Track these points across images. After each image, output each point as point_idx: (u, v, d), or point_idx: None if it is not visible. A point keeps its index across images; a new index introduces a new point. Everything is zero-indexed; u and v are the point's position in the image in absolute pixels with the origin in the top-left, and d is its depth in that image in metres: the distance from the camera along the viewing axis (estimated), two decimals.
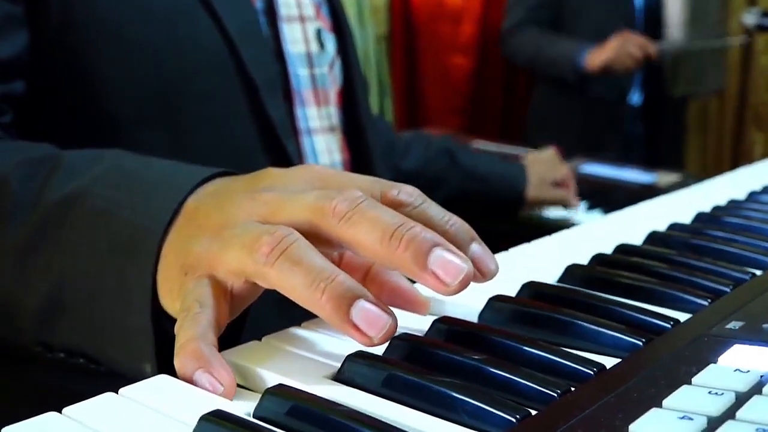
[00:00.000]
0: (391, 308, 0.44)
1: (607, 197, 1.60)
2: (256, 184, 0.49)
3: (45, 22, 0.69)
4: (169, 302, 0.49)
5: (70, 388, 0.58)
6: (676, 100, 2.45)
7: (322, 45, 0.87)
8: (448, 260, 0.43)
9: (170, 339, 0.50)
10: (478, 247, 0.48)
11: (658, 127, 2.39)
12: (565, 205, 1.42)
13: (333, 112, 0.88)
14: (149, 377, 0.45)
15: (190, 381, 0.43)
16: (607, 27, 2.24)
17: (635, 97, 2.35)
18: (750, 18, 2.15)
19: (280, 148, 0.78)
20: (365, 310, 0.42)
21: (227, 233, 0.46)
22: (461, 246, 0.46)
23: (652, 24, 2.33)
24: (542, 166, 1.37)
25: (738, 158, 2.98)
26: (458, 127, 2.70)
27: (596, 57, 2.20)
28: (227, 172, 0.53)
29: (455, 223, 0.47)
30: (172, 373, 0.45)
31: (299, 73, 0.83)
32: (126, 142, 0.67)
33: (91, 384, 0.53)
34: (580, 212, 1.52)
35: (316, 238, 0.45)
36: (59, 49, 0.70)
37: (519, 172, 1.31)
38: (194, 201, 0.51)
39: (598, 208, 1.56)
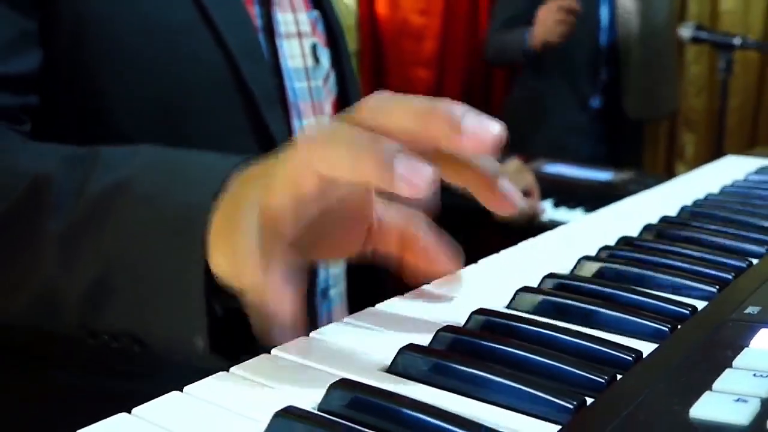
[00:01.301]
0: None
1: (571, 194, 1.60)
2: (295, 143, 0.46)
3: (57, 38, 0.66)
4: (221, 259, 0.46)
5: (102, 388, 0.55)
6: None
7: (317, 59, 0.85)
8: (479, 123, 0.41)
9: (218, 319, 0.48)
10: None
11: (617, 129, 2.39)
12: (531, 214, 1.39)
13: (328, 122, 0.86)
14: (200, 352, 0.43)
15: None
16: (571, 40, 2.23)
17: (595, 102, 2.35)
18: (686, 31, 2.17)
19: None
20: (407, 164, 0.39)
21: (273, 170, 0.44)
22: None
23: (615, 41, 2.33)
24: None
25: (672, 157, 3.01)
26: None
27: (534, 37, 2.18)
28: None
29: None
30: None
31: (296, 86, 0.81)
32: None
33: (118, 383, 0.51)
34: (548, 210, 1.51)
35: None
36: (69, 64, 0.67)
37: None
38: (235, 178, 0.49)
39: (563, 205, 1.56)
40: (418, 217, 0.52)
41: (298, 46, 0.82)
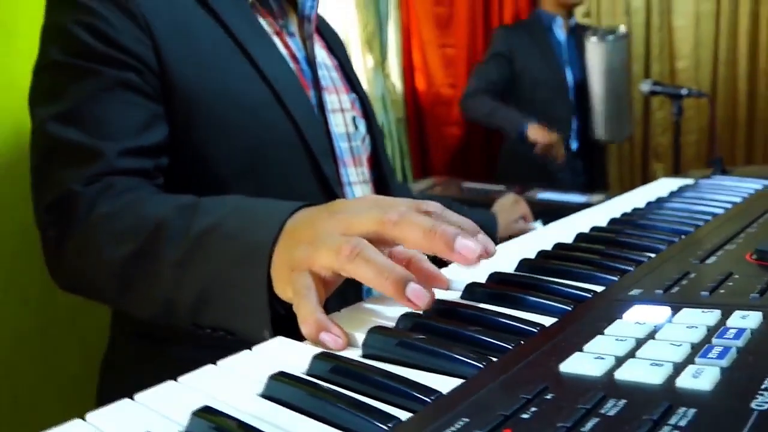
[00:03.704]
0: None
1: (557, 215, 1.57)
2: (333, 209, 0.50)
3: (175, 117, 0.70)
4: (281, 291, 0.49)
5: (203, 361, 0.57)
6: (600, 145, 2.42)
7: (356, 127, 0.87)
8: (466, 244, 0.44)
9: (279, 316, 0.51)
10: (482, 236, 0.49)
11: (590, 164, 2.36)
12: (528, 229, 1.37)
13: (365, 170, 0.88)
14: (268, 339, 0.45)
15: (316, 341, 0.44)
16: (549, 101, 2.22)
17: (574, 144, 2.32)
18: (645, 86, 2.12)
19: (333, 196, 0.77)
20: (415, 289, 0.43)
21: (318, 242, 0.47)
22: (471, 236, 0.48)
23: (580, 97, 2.29)
24: (507, 210, 1.33)
25: (645, 182, 2.92)
26: (454, 173, 2.69)
27: (534, 134, 2.11)
28: (309, 204, 0.54)
29: (467, 222, 0.49)
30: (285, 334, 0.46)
31: (342, 146, 0.83)
32: (226, 193, 0.68)
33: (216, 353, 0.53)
34: (540, 227, 1.48)
35: (378, 240, 0.46)
36: (184, 134, 0.70)
37: (491, 220, 1.26)
38: (291, 223, 0.51)
39: (549, 223, 1.53)
40: (420, 253, 0.54)
41: (341, 118, 0.85)
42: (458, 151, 2.83)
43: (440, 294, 0.51)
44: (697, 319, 0.37)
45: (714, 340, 0.34)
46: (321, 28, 0.92)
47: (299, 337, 0.46)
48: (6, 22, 0.92)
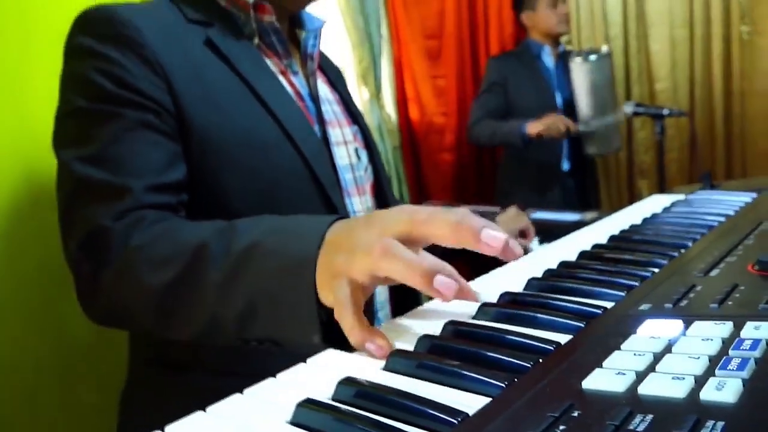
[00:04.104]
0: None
1: (551, 233, 1.57)
2: (369, 218, 0.50)
3: (191, 155, 0.70)
4: (324, 296, 0.49)
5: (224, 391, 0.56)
6: (591, 161, 2.43)
7: (359, 158, 0.87)
8: (493, 235, 0.46)
9: (323, 321, 0.51)
10: (512, 242, 0.48)
11: (582, 182, 2.36)
12: (526, 247, 1.37)
13: (368, 199, 0.88)
14: (317, 345, 0.47)
15: (363, 350, 0.44)
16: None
17: (566, 164, 2.32)
18: (628, 108, 2.14)
19: None
20: (442, 280, 0.44)
21: (355, 248, 0.47)
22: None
23: (569, 115, 2.30)
24: (509, 222, 1.34)
25: (632, 198, 2.93)
26: (449, 197, 2.70)
27: (534, 127, 2.11)
28: (342, 216, 0.54)
29: (490, 225, 0.49)
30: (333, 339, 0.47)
31: (346, 177, 0.83)
32: None
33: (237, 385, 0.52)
34: (536, 245, 1.48)
35: (409, 241, 0.47)
36: (198, 171, 0.70)
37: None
38: (330, 235, 0.51)
39: (545, 241, 1.53)
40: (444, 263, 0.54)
41: (345, 150, 0.85)
42: (452, 176, 2.84)
43: (454, 315, 0.50)
44: (711, 332, 0.36)
45: (731, 352, 0.33)
46: (322, 63, 0.93)
47: (344, 341, 0.46)
48: (20, 66, 0.92)
